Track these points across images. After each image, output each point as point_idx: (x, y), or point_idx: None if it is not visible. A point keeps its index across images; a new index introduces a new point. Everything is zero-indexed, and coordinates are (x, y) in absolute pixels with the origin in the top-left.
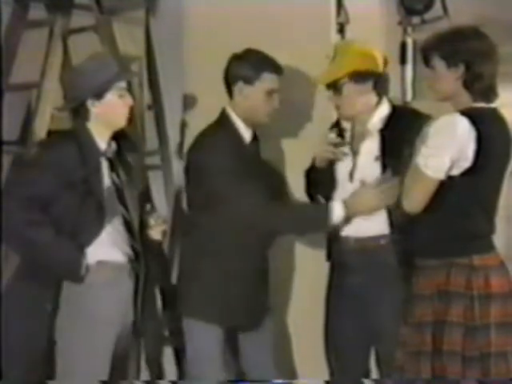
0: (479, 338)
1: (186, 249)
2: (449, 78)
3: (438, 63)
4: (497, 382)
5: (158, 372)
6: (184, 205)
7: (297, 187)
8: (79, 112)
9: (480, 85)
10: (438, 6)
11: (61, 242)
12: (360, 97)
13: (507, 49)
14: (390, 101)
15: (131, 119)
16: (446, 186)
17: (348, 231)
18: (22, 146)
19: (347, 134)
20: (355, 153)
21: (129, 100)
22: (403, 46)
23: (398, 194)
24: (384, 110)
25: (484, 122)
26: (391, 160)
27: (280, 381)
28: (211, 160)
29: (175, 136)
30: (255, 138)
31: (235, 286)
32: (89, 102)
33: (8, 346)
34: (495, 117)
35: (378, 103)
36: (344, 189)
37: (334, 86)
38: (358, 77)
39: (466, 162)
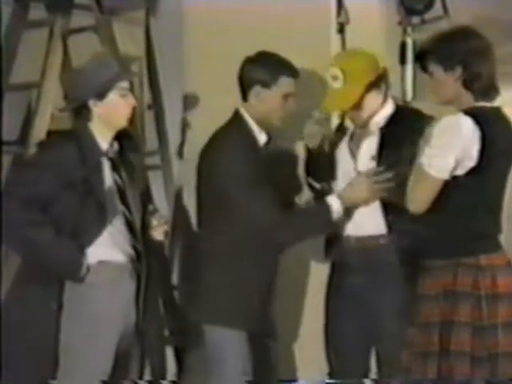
0: (487, 338)
1: (201, 253)
2: (448, 81)
3: (435, 68)
4: (504, 382)
5: (161, 372)
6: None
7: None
8: (81, 112)
9: (479, 84)
10: (438, 5)
11: (61, 241)
12: (371, 101)
13: (507, 49)
14: (394, 100)
15: (132, 119)
16: (451, 186)
17: (348, 230)
18: (21, 146)
19: (348, 131)
20: (355, 151)
21: (131, 100)
22: (403, 46)
23: (396, 190)
24: (388, 109)
25: (488, 121)
26: (387, 160)
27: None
28: (226, 163)
29: (175, 136)
30: (268, 140)
31: (256, 290)
32: (91, 102)
33: (13, 347)
34: (498, 116)
35: (383, 102)
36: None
37: None
38: (371, 85)
39: (471, 161)
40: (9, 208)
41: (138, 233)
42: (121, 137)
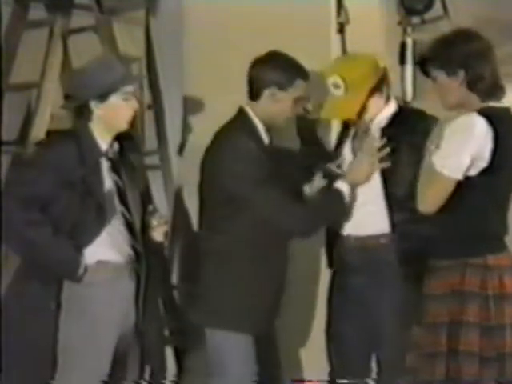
0: (495, 338)
1: (205, 253)
2: (452, 85)
3: (438, 74)
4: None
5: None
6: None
7: None
8: (82, 112)
9: (483, 85)
10: (438, 5)
11: (59, 241)
12: (373, 105)
13: (507, 49)
14: (396, 101)
15: (133, 122)
16: (462, 186)
17: (348, 230)
18: (21, 146)
19: (351, 132)
20: (357, 150)
21: (134, 104)
22: (403, 46)
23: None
24: (390, 109)
25: (500, 121)
26: (391, 159)
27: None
28: (233, 162)
29: (175, 136)
30: (270, 141)
31: (264, 291)
32: (92, 103)
33: (11, 346)
34: (509, 116)
35: (386, 103)
36: None
37: None
38: (373, 90)
39: (483, 161)
40: (8, 207)
41: (138, 233)
42: (121, 137)
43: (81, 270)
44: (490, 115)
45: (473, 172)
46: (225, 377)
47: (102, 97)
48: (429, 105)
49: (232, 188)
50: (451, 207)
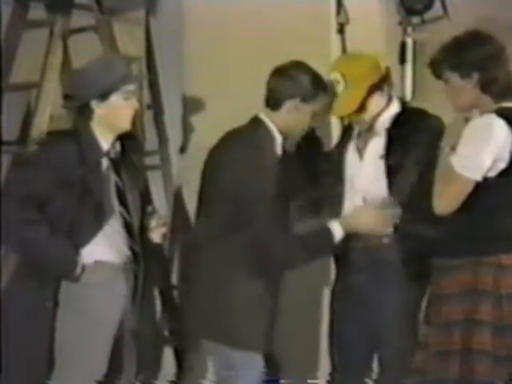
0: (508, 337)
1: (210, 265)
2: (465, 88)
3: (451, 76)
4: None
5: (156, 372)
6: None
7: None
8: (83, 111)
9: (497, 87)
10: (437, 5)
11: (57, 241)
12: (374, 103)
13: (507, 49)
14: (399, 100)
15: (133, 121)
16: (480, 187)
17: None
18: (21, 145)
19: (354, 132)
20: (362, 150)
21: (134, 103)
22: (403, 46)
23: None
24: (393, 109)
25: None
26: (395, 159)
27: None
28: (248, 172)
29: (175, 136)
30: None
31: (270, 310)
32: (93, 103)
33: (10, 346)
34: None
35: (388, 103)
36: (353, 186)
37: None
38: (373, 88)
39: (503, 162)
40: (6, 206)
41: (136, 234)
42: (123, 137)
43: (78, 270)
44: (507, 116)
45: (492, 173)
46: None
47: (103, 96)
48: (428, 105)
49: (240, 197)
50: (465, 207)
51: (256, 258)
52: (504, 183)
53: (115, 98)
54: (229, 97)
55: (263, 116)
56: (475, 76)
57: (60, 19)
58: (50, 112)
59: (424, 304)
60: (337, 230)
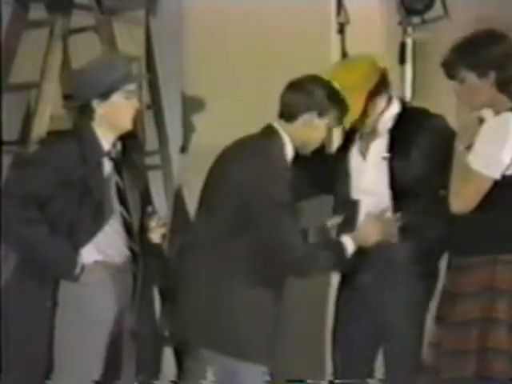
0: None
1: (209, 270)
2: (483, 87)
3: (468, 75)
4: None
5: (155, 372)
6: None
7: None
8: (84, 111)
9: None
10: (438, 5)
11: (56, 240)
12: (374, 107)
13: None
14: (400, 100)
15: (134, 121)
16: (497, 185)
17: None
18: (22, 145)
19: (357, 135)
20: (365, 152)
21: (135, 103)
22: (403, 46)
23: None
24: (394, 109)
25: None
26: (399, 160)
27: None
28: (262, 180)
29: (175, 136)
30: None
31: (273, 318)
32: (94, 102)
33: (9, 345)
34: None
35: (388, 104)
36: (357, 187)
37: None
38: (371, 94)
39: None
40: (6, 205)
41: (135, 234)
42: (125, 137)
43: (77, 270)
44: None
45: (510, 171)
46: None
47: (105, 96)
48: (428, 105)
49: (252, 204)
50: (482, 205)
51: (260, 264)
52: None
53: (116, 98)
54: (229, 96)
55: (277, 125)
56: (492, 75)
57: (60, 19)
58: (50, 112)
59: (432, 304)
60: (349, 245)
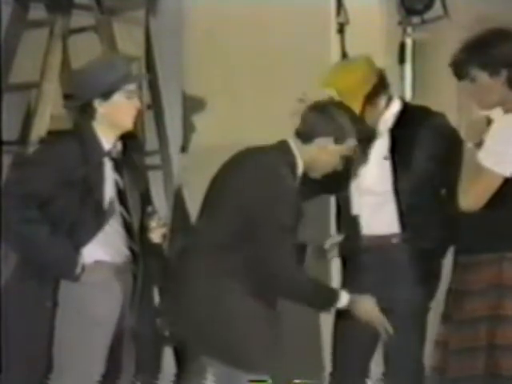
0: None
1: (209, 275)
2: (494, 86)
3: (479, 75)
4: None
5: (156, 372)
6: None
7: None
8: (85, 111)
9: None
10: (438, 5)
11: (57, 240)
12: (372, 109)
13: None
14: (400, 99)
15: (135, 121)
16: (504, 183)
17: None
18: (22, 145)
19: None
20: (365, 152)
21: (136, 103)
22: (402, 46)
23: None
24: (394, 108)
25: None
26: (400, 159)
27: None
28: (271, 199)
29: (175, 136)
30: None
31: (272, 325)
32: (95, 102)
33: (9, 345)
34: None
35: (388, 104)
36: (358, 186)
37: None
38: (368, 97)
39: None
40: (7, 205)
41: (136, 234)
42: (125, 137)
43: (78, 270)
44: None
45: None
46: None
47: (106, 95)
48: (428, 105)
49: (255, 221)
50: (490, 203)
51: (255, 276)
52: None
53: (118, 97)
54: (229, 96)
55: (292, 143)
56: (504, 73)
57: (60, 19)
58: (49, 112)
59: (435, 303)
60: (343, 301)
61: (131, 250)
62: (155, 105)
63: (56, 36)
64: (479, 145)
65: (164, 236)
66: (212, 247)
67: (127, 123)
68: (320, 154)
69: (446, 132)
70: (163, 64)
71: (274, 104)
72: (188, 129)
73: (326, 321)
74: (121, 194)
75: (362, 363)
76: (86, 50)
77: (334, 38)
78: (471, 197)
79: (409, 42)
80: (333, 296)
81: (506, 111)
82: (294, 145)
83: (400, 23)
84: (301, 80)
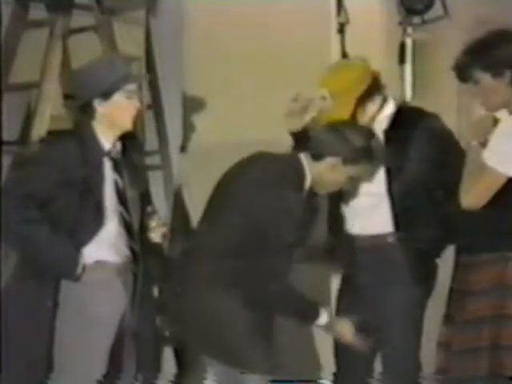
0: None
1: (212, 283)
2: (498, 87)
3: (483, 77)
4: None
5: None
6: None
7: None
8: (85, 111)
9: None
10: (438, 5)
11: (57, 240)
12: (366, 111)
13: None
14: (396, 100)
15: (135, 121)
16: (507, 182)
17: (355, 229)
18: (22, 145)
19: None
20: None
21: (136, 103)
22: (402, 46)
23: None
24: (388, 109)
25: None
26: (395, 160)
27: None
28: (281, 214)
29: (175, 136)
30: None
31: (270, 327)
32: (95, 102)
33: (9, 345)
34: None
35: (382, 106)
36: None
37: None
38: (361, 98)
39: None
40: (7, 205)
41: (136, 234)
42: (124, 137)
43: (78, 270)
44: None
45: None
46: None
47: (106, 95)
48: (428, 105)
49: (259, 233)
50: (492, 202)
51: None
52: None
53: (118, 97)
54: (229, 96)
55: (303, 158)
56: (508, 74)
57: (60, 19)
58: (49, 112)
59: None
60: (322, 319)
61: (131, 249)
62: (155, 105)
63: (56, 36)
64: (484, 144)
65: (164, 236)
66: (213, 251)
67: (127, 123)
68: (327, 173)
69: (441, 133)
70: (163, 64)
71: (274, 104)
72: (188, 129)
73: None
74: (120, 194)
75: (365, 363)
76: (86, 49)
77: (334, 38)
78: (473, 195)
79: (409, 42)
80: (316, 313)
81: (511, 112)
82: (305, 160)
83: (400, 23)
84: (301, 80)
